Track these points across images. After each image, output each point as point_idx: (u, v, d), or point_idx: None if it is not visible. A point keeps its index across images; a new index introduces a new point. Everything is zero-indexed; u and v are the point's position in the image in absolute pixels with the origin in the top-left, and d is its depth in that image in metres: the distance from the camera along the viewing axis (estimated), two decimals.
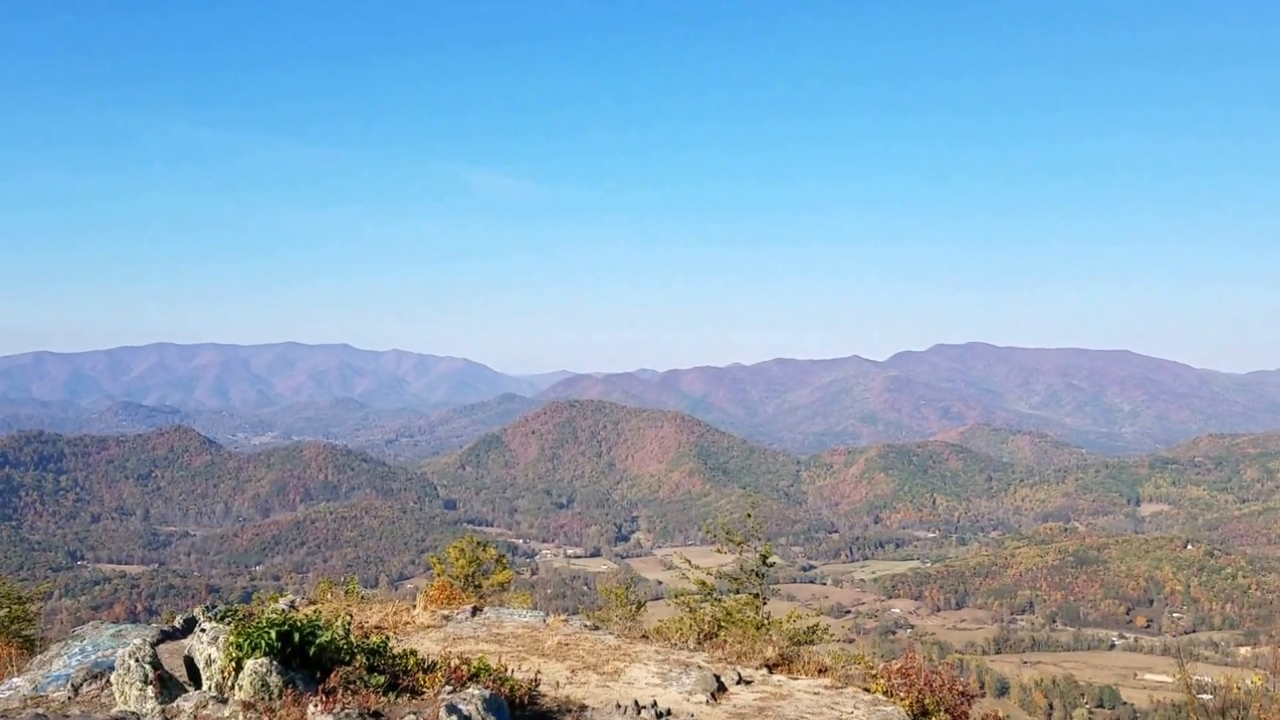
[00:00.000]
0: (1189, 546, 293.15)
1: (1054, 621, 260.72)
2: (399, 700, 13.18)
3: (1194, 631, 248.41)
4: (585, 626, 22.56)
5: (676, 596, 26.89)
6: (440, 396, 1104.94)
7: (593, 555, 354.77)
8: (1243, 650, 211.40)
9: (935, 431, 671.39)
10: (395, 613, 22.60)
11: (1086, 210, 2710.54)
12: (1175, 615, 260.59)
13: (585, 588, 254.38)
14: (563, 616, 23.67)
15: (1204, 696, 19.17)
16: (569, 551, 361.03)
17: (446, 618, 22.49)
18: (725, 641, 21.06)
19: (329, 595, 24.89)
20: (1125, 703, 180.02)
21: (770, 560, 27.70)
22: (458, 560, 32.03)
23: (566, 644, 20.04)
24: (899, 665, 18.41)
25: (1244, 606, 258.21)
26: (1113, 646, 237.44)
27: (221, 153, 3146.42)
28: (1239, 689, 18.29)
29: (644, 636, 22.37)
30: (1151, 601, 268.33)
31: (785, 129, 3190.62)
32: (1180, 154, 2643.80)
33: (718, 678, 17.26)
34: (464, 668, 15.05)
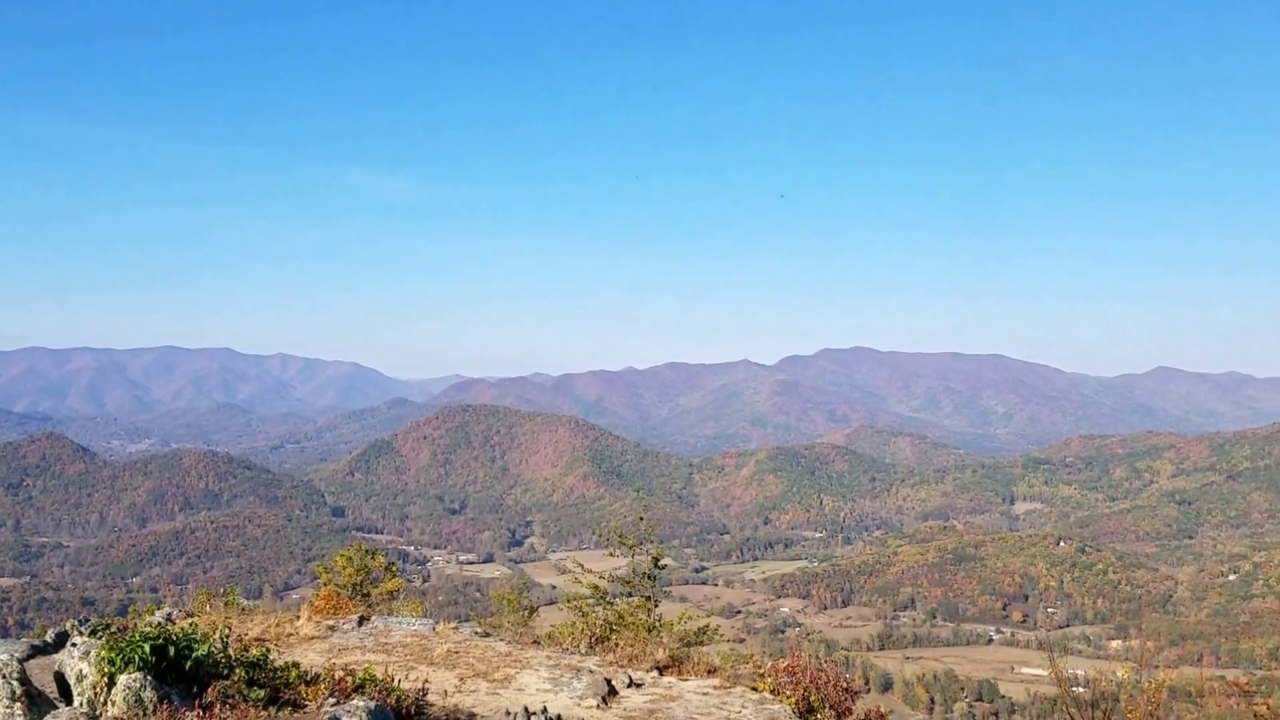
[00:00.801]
0: (1061, 544, 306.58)
1: (935, 617, 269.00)
2: (280, 714, 12.81)
3: (1067, 626, 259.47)
4: (476, 633, 22.32)
5: (569, 601, 26.77)
6: (328, 401, 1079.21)
7: (486, 561, 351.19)
8: (1113, 643, 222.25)
9: (822, 434, 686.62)
10: (278, 624, 21.94)
11: (960, 221, 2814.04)
12: (1049, 610, 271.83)
13: (478, 594, 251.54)
14: (453, 624, 23.37)
15: (1077, 689, 19.89)
16: (462, 558, 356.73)
17: (332, 628, 21.96)
18: (617, 645, 21.08)
19: (208, 607, 24.05)
20: (1003, 696, 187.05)
21: (662, 563, 27.85)
22: (345, 569, 31.29)
23: (456, 652, 19.79)
24: (786, 664, 18.66)
25: (1114, 601, 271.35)
26: (990, 641, 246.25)
27: (88, 149, 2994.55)
28: (1109, 681, 19.11)
29: (535, 642, 22.26)
30: (1027, 597, 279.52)
31: (672, 133, 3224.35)
32: (1045, 168, 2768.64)
33: (609, 681, 17.27)
34: (349, 679, 14.70)
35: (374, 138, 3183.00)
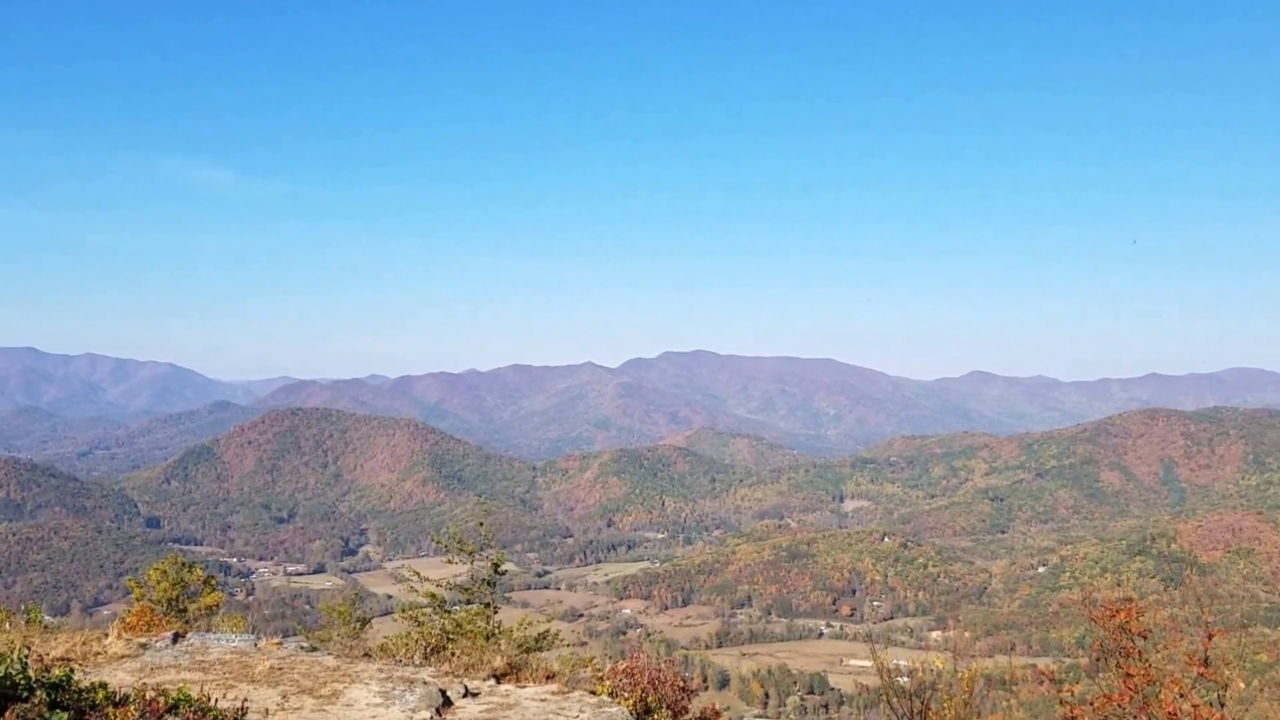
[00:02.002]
0: (886, 539, 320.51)
1: (770, 614, 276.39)
2: None
3: (891, 618, 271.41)
4: (302, 648, 21.27)
5: (405, 610, 25.98)
6: (142, 404, 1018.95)
7: (317, 572, 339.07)
8: (933, 634, 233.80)
9: (665, 435, 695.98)
10: (84, 642, 20.32)
11: (794, 226, 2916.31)
12: (875, 604, 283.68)
13: (308, 607, 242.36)
14: (277, 639, 22.20)
15: (901, 680, 20.56)
16: (290, 569, 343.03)
17: (144, 646, 20.51)
18: (453, 654, 20.50)
19: (6, 625, 22.20)
20: (833, 688, 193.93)
21: (503, 568, 27.40)
22: (159, 583, 29.47)
23: (280, 668, 18.78)
24: (624, 666, 18.56)
25: (934, 594, 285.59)
26: (821, 635, 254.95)
27: None
28: (929, 672, 19.89)
29: (366, 655, 21.41)
30: (855, 591, 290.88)
31: (512, 133, 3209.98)
32: (871, 175, 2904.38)
33: (443, 692, 16.76)
34: (161, 699, 13.70)
35: (191, 123, 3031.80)
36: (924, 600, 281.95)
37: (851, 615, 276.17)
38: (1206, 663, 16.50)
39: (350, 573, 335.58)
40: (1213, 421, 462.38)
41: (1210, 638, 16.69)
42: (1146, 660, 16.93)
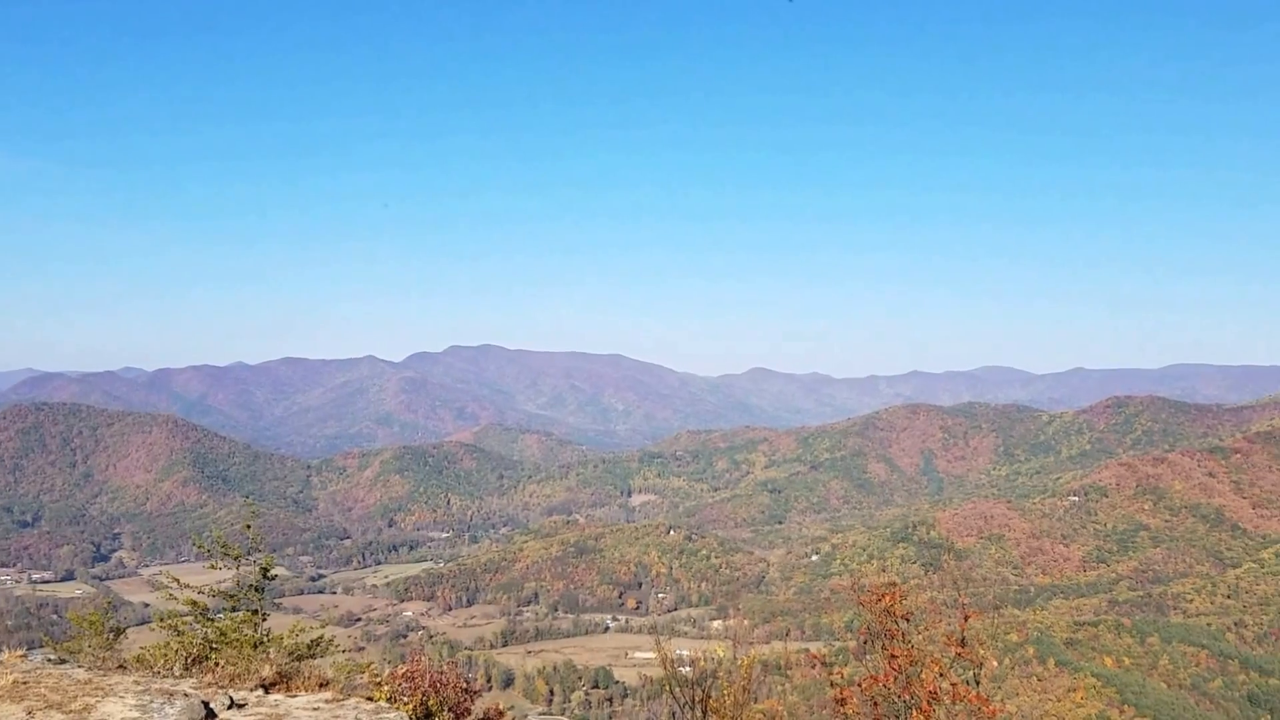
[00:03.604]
0: (671, 532, 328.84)
1: (556, 610, 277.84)
2: None
3: (676, 609, 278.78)
4: (50, 660, 19.41)
5: (163, 619, 24.18)
6: None
7: (65, 579, 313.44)
8: (715, 623, 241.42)
9: (451, 432, 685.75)
10: None
11: (583, 222, 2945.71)
12: (660, 596, 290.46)
13: (56, 617, 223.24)
14: (20, 651, 20.13)
15: (684, 669, 20.93)
16: (35, 576, 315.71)
17: None
18: (217, 664, 19.25)
19: None
20: (618, 681, 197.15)
21: (272, 573, 26.03)
22: None
23: (25, 682, 16.99)
24: (404, 669, 18.14)
25: (716, 584, 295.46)
26: (607, 629, 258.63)
27: None
28: (708, 660, 20.36)
29: (121, 667, 19.76)
30: (641, 584, 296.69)
31: (306, 120, 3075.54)
32: (645, 174, 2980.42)
33: (206, 704, 15.65)
34: None
35: None
36: (706, 591, 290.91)
37: (637, 608, 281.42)
38: (963, 643, 17.67)
39: (102, 580, 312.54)
40: (967, 416, 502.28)
41: (966, 619, 17.89)
42: (909, 642, 17.94)
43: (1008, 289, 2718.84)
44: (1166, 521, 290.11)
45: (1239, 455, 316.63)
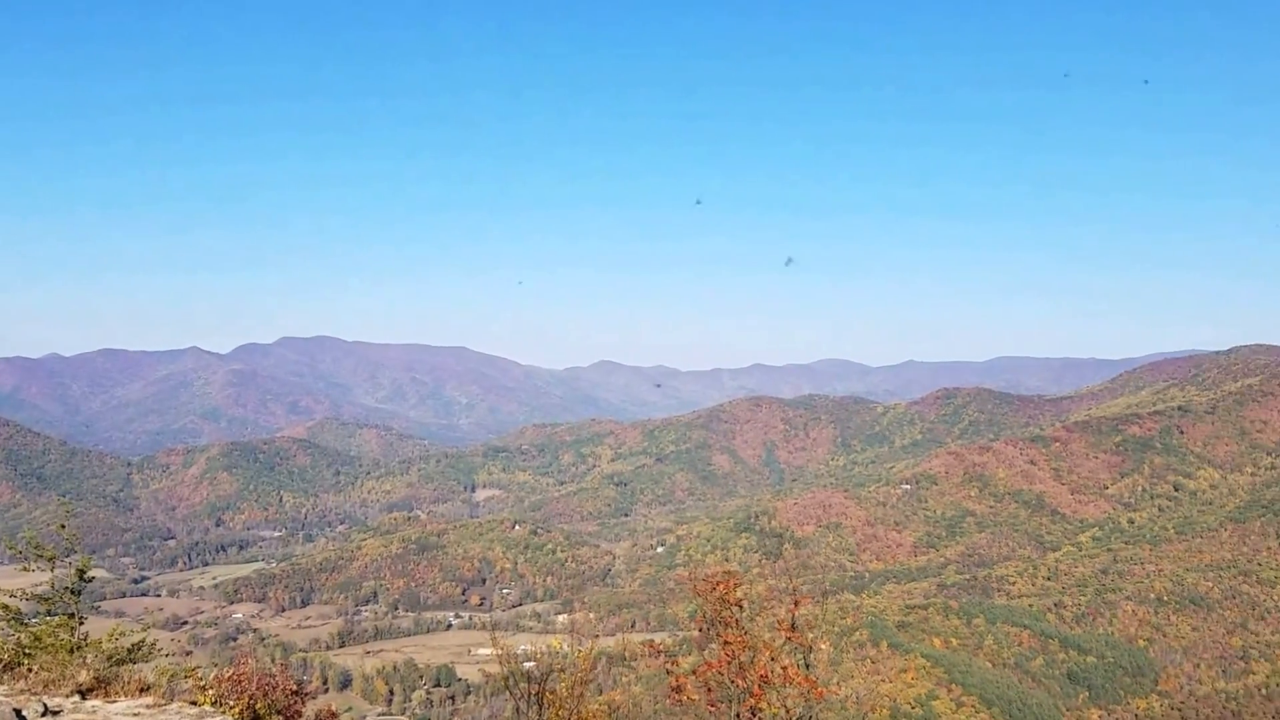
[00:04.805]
0: (516, 527, 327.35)
1: (397, 609, 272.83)
2: None
3: (521, 605, 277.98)
4: None
5: None
6: None
7: None
8: (560, 618, 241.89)
9: (283, 427, 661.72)
10: None
11: (420, 211, 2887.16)
12: (505, 591, 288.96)
13: None
14: None
15: (528, 664, 21.05)
16: None
17: None
18: (30, 670, 18.24)
19: None
20: (461, 679, 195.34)
21: (90, 575, 24.91)
22: None
23: None
24: (230, 672, 17.77)
25: (561, 578, 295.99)
26: (450, 627, 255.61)
27: None
28: (547, 654, 20.56)
29: None
30: (485, 580, 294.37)
31: (119, 103, 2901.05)
32: (483, 166, 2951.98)
33: (19, 712, 14.84)
34: None
35: None
36: (552, 585, 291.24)
37: (481, 604, 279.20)
38: (794, 627, 18.45)
39: None
40: (807, 408, 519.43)
41: (796, 605, 18.69)
42: (743, 629, 18.60)
43: (844, 284, 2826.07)
44: (991, 508, 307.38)
45: (1058, 444, 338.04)
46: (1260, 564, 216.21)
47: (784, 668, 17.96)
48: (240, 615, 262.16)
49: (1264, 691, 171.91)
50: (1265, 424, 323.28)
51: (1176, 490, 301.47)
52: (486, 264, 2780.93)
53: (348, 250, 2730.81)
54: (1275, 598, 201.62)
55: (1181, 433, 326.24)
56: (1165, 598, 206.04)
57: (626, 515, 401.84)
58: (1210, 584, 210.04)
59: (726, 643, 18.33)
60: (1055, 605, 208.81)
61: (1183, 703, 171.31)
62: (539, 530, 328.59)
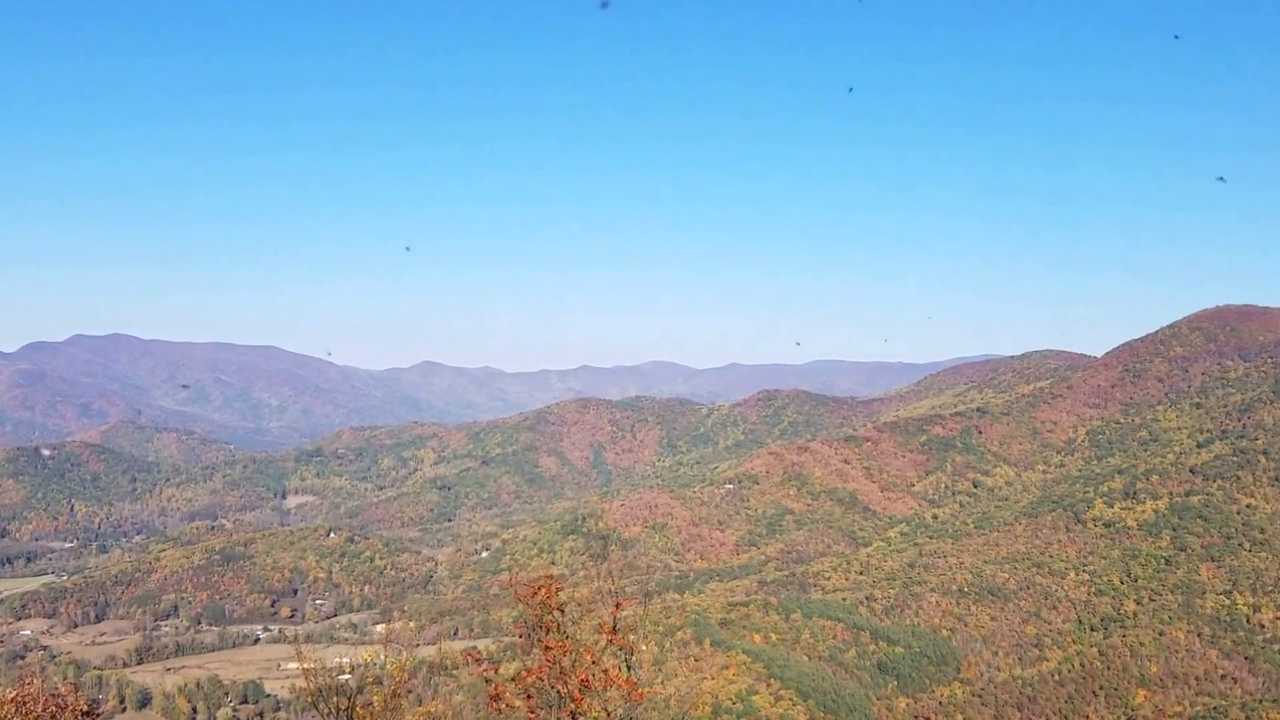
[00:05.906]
0: (332, 535, 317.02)
1: (200, 623, 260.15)
2: None
3: (336, 615, 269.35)
4: None
5: None
6: None
7: None
8: (379, 628, 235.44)
9: (74, 431, 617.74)
10: None
11: (218, 203, 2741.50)
12: (319, 602, 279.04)
13: None
14: None
15: (343, 678, 19.94)
16: None
17: None
18: None
19: None
20: (269, 695, 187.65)
21: None
22: None
23: None
24: (14, 694, 16.55)
25: (380, 586, 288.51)
26: (258, 641, 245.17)
27: None
28: (360, 666, 19.44)
29: None
30: (296, 591, 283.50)
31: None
32: (309, 160, 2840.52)
33: None
34: None
35: None
36: (370, 594, 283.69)
37: (292, 616, 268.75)
38: (615, 630, 17.99)
39: None
40: (635, 410, 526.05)
41: (618, 607, 18.26)
42: (565, 633, 18.05)
43: (670, 287, 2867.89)
44: (808, 505, 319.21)
45: (870, 443, 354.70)
46: (1051, 556, 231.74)
47: (605, 671, 17.65)
48: (28, 632, 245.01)
49: (1056, 677, 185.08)
50: (1055, 424, 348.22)
51: (976, 487, 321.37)
52: (299, 259, 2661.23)
53: (145, 244, 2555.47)
54: (1065, 588, 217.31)
55: (980, 433, 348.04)
56: (966, 589, 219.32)
57: (450, 520, 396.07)
58: (1007, 575, 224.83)
59: (548, 648, 17.89)
60: (866, 599, 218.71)
61: (983, 689, 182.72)
62: (356, 538, 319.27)
